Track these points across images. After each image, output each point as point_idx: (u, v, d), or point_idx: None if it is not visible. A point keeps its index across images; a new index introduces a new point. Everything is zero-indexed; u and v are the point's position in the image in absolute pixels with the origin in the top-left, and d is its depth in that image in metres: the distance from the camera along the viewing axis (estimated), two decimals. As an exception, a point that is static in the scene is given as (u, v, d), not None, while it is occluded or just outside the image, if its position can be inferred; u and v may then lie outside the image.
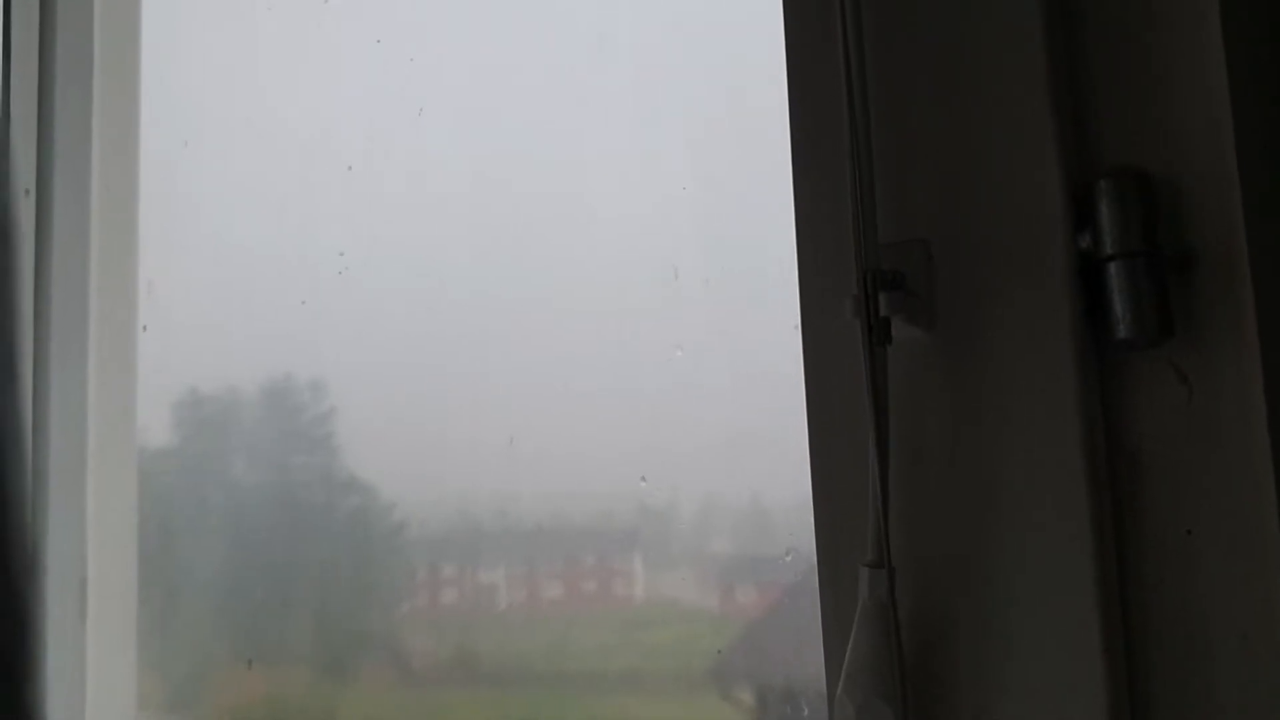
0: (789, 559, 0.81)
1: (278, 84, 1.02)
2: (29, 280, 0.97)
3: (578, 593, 0.94)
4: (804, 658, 0.80)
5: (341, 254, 0.97)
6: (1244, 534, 0.54)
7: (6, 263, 0.29)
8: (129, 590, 1.03)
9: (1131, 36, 0.59)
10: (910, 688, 0.58)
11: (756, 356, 0.80)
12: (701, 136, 0.84)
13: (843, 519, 0.62)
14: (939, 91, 0.62)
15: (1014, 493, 0.58)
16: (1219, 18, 0.56)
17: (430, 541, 1.00)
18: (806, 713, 0.80)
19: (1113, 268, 0.57)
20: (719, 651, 0.85)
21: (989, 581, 0.58)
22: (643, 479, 0.84)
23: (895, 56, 0.63)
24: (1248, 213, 0.55)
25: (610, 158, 0.87)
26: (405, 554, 1.01)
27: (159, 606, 1.04)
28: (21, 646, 0.29)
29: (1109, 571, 0.56)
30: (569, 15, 0.89)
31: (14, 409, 0.29)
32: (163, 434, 1.08)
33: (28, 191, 0.96)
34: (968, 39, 0.61)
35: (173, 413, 1.08)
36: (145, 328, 1.05)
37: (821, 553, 0.63)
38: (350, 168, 0.98)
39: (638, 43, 0.87)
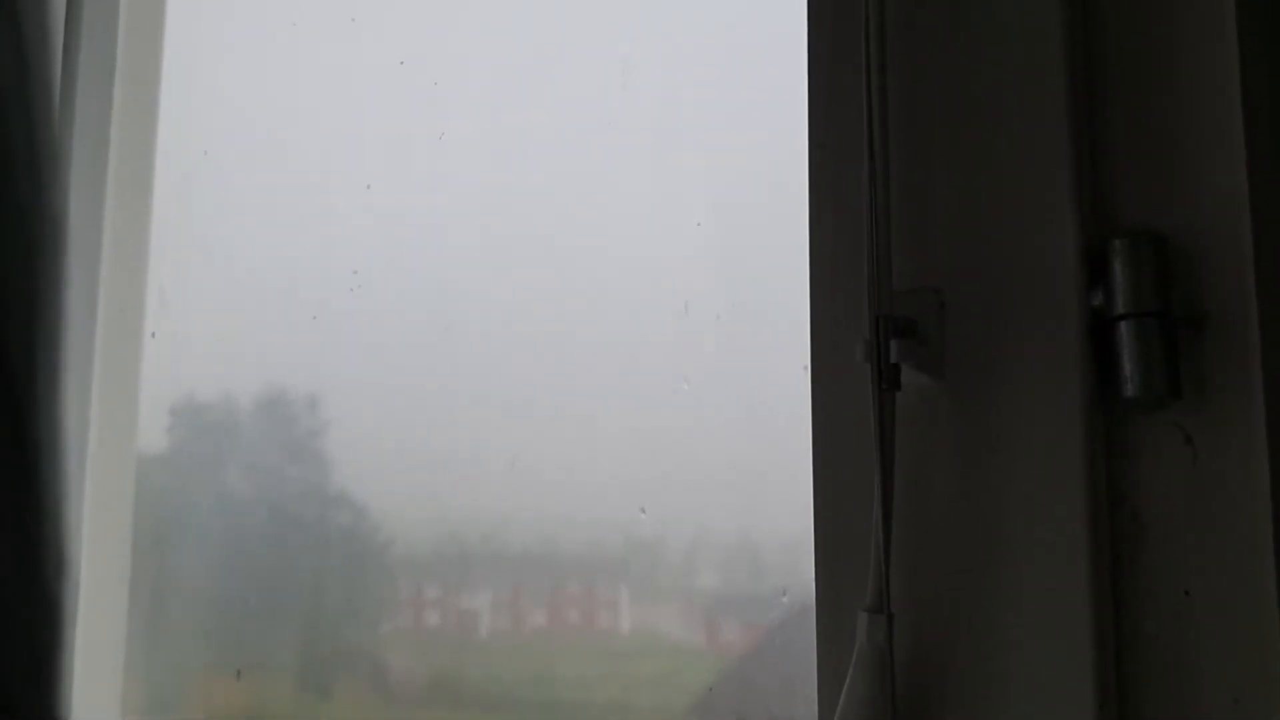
0: (785, 599, 0.81)
1: (300, 99, 1.03)
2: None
3: (565, 621, 0.93)
4: (791, 698, 0.80)
5: (355, 272, 0.97)
6: (1241, 598, 0.55)
7: (57, 271, 0.30)
8: (119, 595, 1.02)
9: (1152, 100, 0.60)
10: (903, 734, 0.58)
11: (763, 394, 0.80)
12: (720, 172, 0.84)
13: (843, 562, 0.62)
14: (959, 142, 0.63)
15: (1015, 545, 0.58)
16: (1239, 84, 0.57)
17: (421, 562, 0.99)
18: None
19: (1123, 327, 0.57)
20: (709, 689, 0.85)
21: (986, 632, 0.58)
22: (642, 510, 0.85)
23: (917, 105, 0.64)
24: (1260, 278, 0.56)
25: (627, 188, 0.87)
26: (395, 572, 1.01)
27: (146, 612, 1.04)
28: (54, 649, 0.29)
29: (1106, 627, 0.56)
30: (595, 45, 0.90)
31: (56, 419, 0.30)
32: (161, 440, 1.08)
33: None
34: (990, 93, 0.62)
35: (172, 420, 1.08)
36: (154, 334, 1.05)
37: (820, 595, 0.63)
38: (369, 186, 0.98)
39: (662, 77, 0.88)
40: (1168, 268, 0.58)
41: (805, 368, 0.65)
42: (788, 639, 0.81)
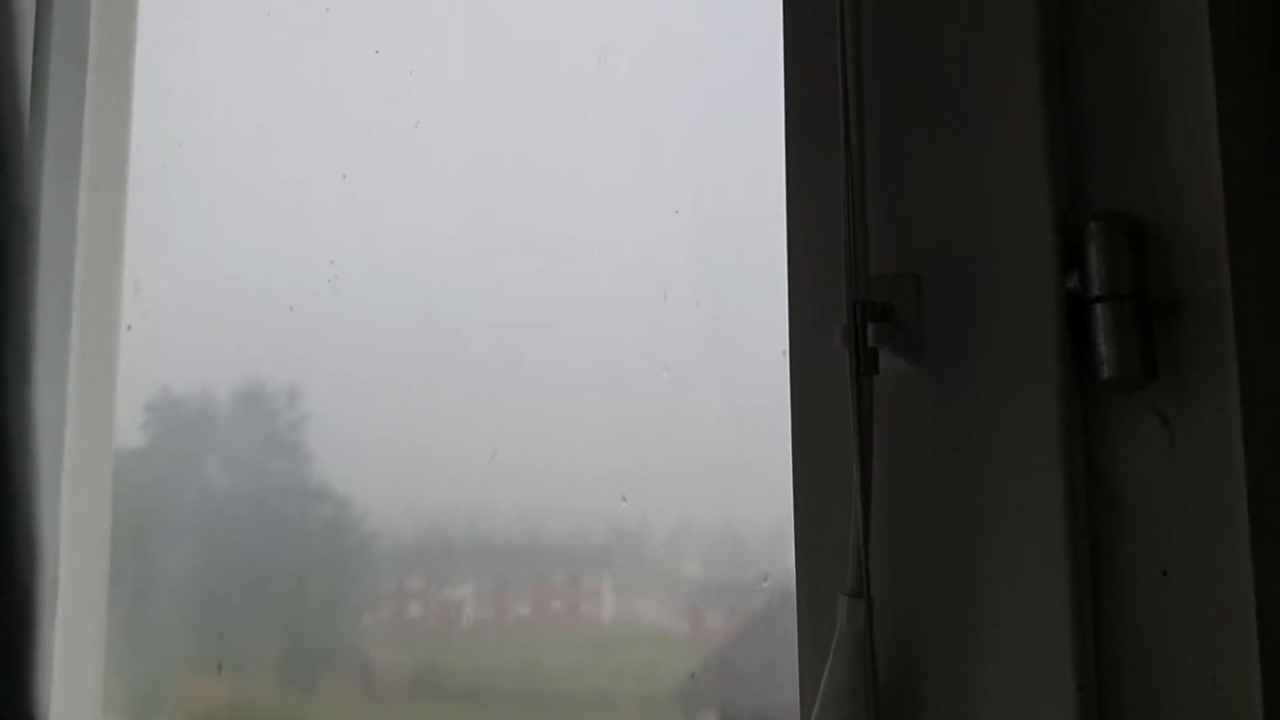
0: (766, 584, 0.81)
1: (275, 90, 1.02)
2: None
3: (548, 611, 0.93)
4: (774, 684, 0.80)
5: (332, 262, 0.97)
6: (1218, 577, 0.55)
7: (25, 264, 0.30)
8: (99, 591, 1.02)
9: (1127, 83, 0.60)
10: (885, 717, 0.58)
11: (743, 380, 0.81)
12: (697, 159, 0.84)
13: (823, 546, 0.62)
14: (935, 127, 0.63)
15: (993, 528, 0.58)
16: (1212, 68, 0.57)
17: (404, 554, 0.99)
18: (776, 740, 0.80)
19: (1099, 309, 0.58)
20: (691, 675, 0.85)
21: (966, 614, 0.59)
22: (623, 499, 0.85)
23: (893, 91, 0.64)
24: (1234, 261, 0.56)
25: (605, 176, 0.87)
26: (378, 565, 1.00)
27: (126, 608, 1.04)
28: (25, 642, 0.29)
29: (1085, 609, 0.57)
30: (570, 32, 0.90)
31: (26, 407, 0.29)
32: (138, 435, 1.07)
33: None
34: (965, 77, 0.62)
35: (149, 414, 1.07)
36: (130, 327, 1.05)
37: (801, 579, 0.63)
38: (345, 176, 0.98)
39: (638, 64, 0.87)
40: (1143, 250, 0.58)
41: (784, 353, 0.65)
42: (770, 625, 0.81)
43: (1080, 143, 0.60)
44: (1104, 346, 0.57)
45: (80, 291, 1.01)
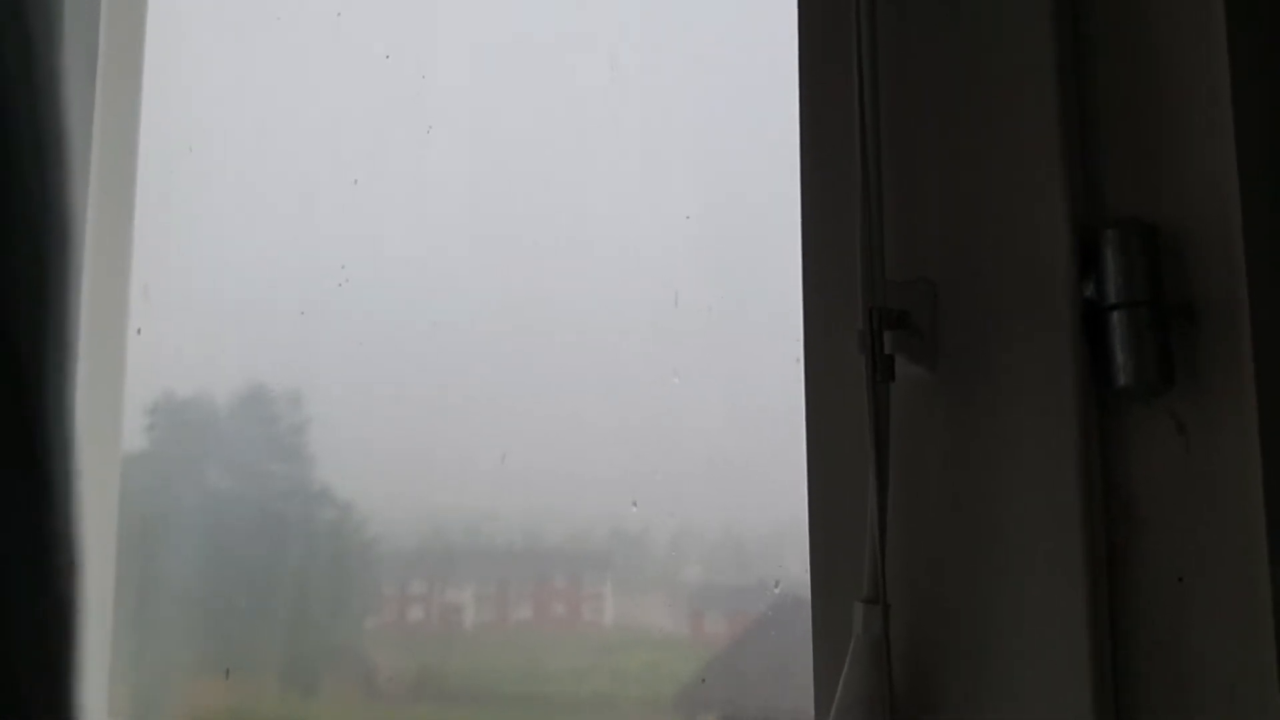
0: (777, 590, 0.81)
1: (285, 94, 1.02)
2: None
3: (551, 614, 0.93)
4: (778, 689, 0.80)
5: (343, 266, 0.97)
6: (1235, 584, 0.55)
7: (69, 263, 0.30)
8: (105, 597, 1.01)
9: (1142, 90, 0.60)
10: (901, 724, 0.58)
11: (755, 386, 0.80)
12: (710, 164, 0.84)
13: (839, 553, 0.62)
14: (951, 134, 0.63)
15: (1010, 535, 0.58)
16: (1229, 74, 0.57)
17: (406, 558, 0.99)
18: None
19: (1116, 316, 0.58)
20: (702, 680, 0.85)
21: (982, 621, 0.58)
22: (634, 504, 0.84)
23: (908, 97, 0.64)
24: (1250, 266, 0.56)
25: (617, 181, 0.87)
26: (381, 569, 1.00)
27: (131, 613, 1.03)
28: (66, 645, 0.29)
29: (1101, 615, 0.57)
30: (582, 38, 0.90)
31: (66, 407, 0.29)
32: (144, 439, 1.07)
33: None
34: (981, 84, 0.62)
35: (155, 418, 1.07)
36: (139, 331, 1.05)
37: (816, 586, 0.63)
38: (355, 181, 0.97)
39: (650, 68, 0.87)
40: (1159, 257, 0.58)
41: (797, 360, 0.65)
42: (777, 630, 0.81)
43: (1095, 149, 0.61)
44: (1120, 353, 0.57)
45: (89, 295, 1.01)
